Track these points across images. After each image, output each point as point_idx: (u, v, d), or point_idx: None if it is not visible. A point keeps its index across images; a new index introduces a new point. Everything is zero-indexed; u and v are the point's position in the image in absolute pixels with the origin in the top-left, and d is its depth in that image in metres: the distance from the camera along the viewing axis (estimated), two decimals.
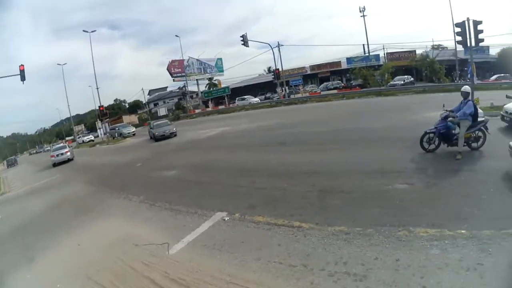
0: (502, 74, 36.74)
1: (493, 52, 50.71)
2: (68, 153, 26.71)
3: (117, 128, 42.99)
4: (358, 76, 47.10)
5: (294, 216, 6.38)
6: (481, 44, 16.91)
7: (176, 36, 53.71)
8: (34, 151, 69.62)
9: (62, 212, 10.63)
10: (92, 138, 51.28)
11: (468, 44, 15.80)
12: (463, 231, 4.83)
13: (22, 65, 22.72)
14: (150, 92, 76.30)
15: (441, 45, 53.04)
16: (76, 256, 6.99)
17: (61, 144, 37.63)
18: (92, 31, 41.98)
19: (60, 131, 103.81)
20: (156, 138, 25.39)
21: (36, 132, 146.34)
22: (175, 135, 25.27)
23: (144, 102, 77.45)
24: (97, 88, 43.71)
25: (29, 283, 6.48)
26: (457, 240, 4.65)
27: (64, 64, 54.18)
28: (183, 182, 10.78)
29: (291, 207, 6.85)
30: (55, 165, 25.84)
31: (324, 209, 6.46)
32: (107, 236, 7.62)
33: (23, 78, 22.73)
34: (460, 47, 22.40)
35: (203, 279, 4.94)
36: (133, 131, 39.11)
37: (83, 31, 41.72)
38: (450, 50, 44.51)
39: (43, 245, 8.13)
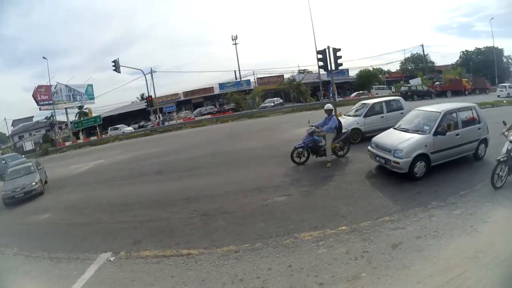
0: (361, 91, 44.54)
1: (353, 73, 61.20)
2: None
3: None
4: (230, 101, 49.40)
5: (181, 244, 6.51)
6: (340, 67, 19.49)
7: (44, 58, 48.43)
8: None
9: None
10: None
11: (329, 68, 18.02)
12: (344, 227, 5.68)
13: None
14: (14, 122, 67.07)
15: (306, 69, 59.83)
16: None
17: None
18: None
19: None
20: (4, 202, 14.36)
21: None
22: (41, 193, 14.46)
23: (7, 134, 67.59)
24: None
25: None
26: (339, 236, 5.45)
27: None
28: (59, 225, 9.82)
29: (177, 236, 6.96)
30: None
31: (210, 232, 6.74)
32: None
33: None
34: (322, 71, 25.22)
35: None
36: None
37: None
38: (315, 73, 50.25)
39: None
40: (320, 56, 18.06)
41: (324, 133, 10.11)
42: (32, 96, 50.35)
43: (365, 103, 14.14)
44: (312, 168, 9.97)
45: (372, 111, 13.33)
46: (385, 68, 67.98)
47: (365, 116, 13.10)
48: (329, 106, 10.51)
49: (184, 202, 8.99)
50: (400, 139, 8.37)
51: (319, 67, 19.85)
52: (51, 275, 6.79)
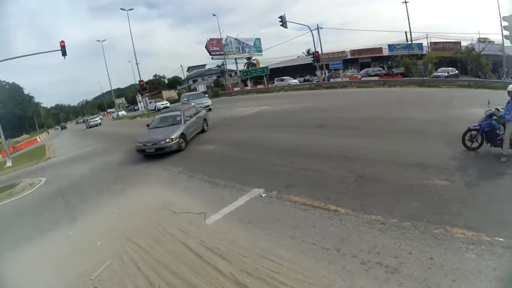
0: None
1: None
2: (98, 120, 45.26)
3: (152, 102, 46.17)
4: (400, 64, 45.26)
5: (331, 199, 6.36)
6: None
7: (214, 15, 53.56)
8: (81, 120, 73.80)
9: (104, 178, 11.22)
10: (124, 113, 55.70)
11: None
12: (501, 239, 4.53)
13: (63, 41, 23.57)
14: (189, 69, 77.17)
15: (487, 38, 49.68)
16: (116, 219, 7.45)
17: (96, 116, 56.81)
18: (129, 9, 44.56)
19: (101, 103, 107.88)
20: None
21: (78, 103, 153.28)
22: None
23: (183, 78, 78.63)
24: (137, 64, 45.42)
25: (71, 239, 6.94)
26: (494, 247, 4.38)
27: (103, 40, 57.46)
28: (222, 156, 10.99)
29: (328, 190, 6.83)
30: (89, 127, 41.44)
31: (361, 196, 6.38)
32: (147, 202, 8.01)
33: (64, 53, 23.62)
34: (508, 43, 20.91)
35: (237, 250, 5.11)
36: (167, 104, 41.17)
37: (121, 9, 44.48)
38: (497, 44, 41.72)
39: (85, 206, 8.69)
40: (505, 23, 14.97)
41: (503, 120, 8.28)
42: (205, 47, 55.93)
43: None
44: (483, 158, 8.20)
45: None
46: None
47: None
48: None
49: (341, 159, 8.73)
50: None
51: (504, 37, 16.41)
52: (207, 195, 7.68)
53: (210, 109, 24.37)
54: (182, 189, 8.46)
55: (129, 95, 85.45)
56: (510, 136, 8.01)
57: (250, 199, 6.95)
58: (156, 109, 39.55)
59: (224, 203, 6.92)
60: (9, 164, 22.54)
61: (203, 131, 15.67)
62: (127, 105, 75.02)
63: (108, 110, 76.85)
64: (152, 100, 47.50)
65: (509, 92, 8.21)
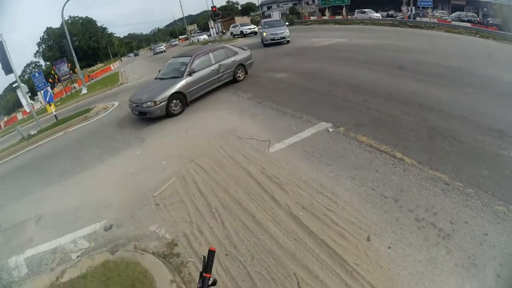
0: None
1: None
2: (163, 48, 49.09)
3: (237, 26, 42.65)
4: (497, 14, 39.90)
5: (398, 146, 6.17)
6: None
7: None
8: (154, 47, 76.88)
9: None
10: (206, 37, 55.35)
11: None
12: None
13: None
14: None
15: None
16: (182, 140, 7.84)
17: (160, 44, 60.01)
18: None
19: (173, 31, 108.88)
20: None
21: (150, 32, 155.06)
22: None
23: (257, 4, 76.14)
24: None
25: (138, 157, 7.55)
26: None
27: None
28: (292, 86, 10.80)
29: (397, 136, 6.59)
30: (155, 54, 44.03)
31: (431, 149, 6.08)
32: (214, 126, 8.29)
33: None
34: None
35: (296, 182, 5.22)
36: (255, 29, 38.46)
37: None
38: None
39: (154, 128, 9.24)
40: None
41: None
42: None
43: None
44: None
45: None
46: None
47: None
48: None
49: (417, 107, 8.25)
50: None
51: None
52: (273, 123, 7.75)
53: (288, 41, 22.45)
54: (250, 115, 8.58)
55: (202, 21, 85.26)
56: None
57: (316, 132, 6.93)
58: (242, 34, 38.31)
59: (289, 133, 6.99)
60: (84, 91, 24.65)
61: (234, 80, 12.48)
62: (199, 31, 75.14)
63: (180, 37, 77.99)
64: (237, 24, 45.28)
65: None
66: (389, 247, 3.93)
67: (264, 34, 22.78)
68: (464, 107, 8.36)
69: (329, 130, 6.96)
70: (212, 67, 11.36)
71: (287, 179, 5.35)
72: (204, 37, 56.46)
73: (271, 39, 22.21)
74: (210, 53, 11.64)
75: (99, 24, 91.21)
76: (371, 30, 29.02)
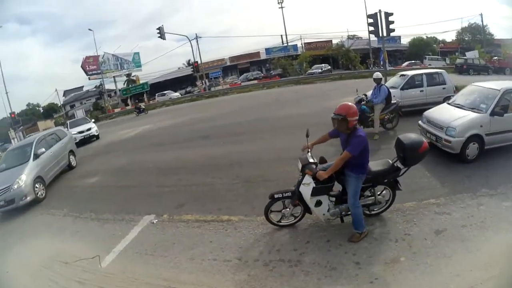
0: (413, 61, 41.58)
1: (405, 41, 57.20)
2: None
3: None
4: (277, 66, 48.78)
5: (223, 210, 6.59)
6: (392, 34, 18.55)
7: (90, 30, 49.56)
8: None
9: None
10: None
11: (380, 34, 17.21)
12: None
13: None
14: (65, 93, 70.44)
15: (356, 35, 56.87)
16: (6, 285, 6.51)
17: None
18: None
19: None
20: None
21: None
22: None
23: (59, 104, 71.46)
24: (6, 93, 39.82)
25: None
26: (382, 214, 5.36)
27: None
28: (107, 188, 10.33)
29: (218, 201, 7.04)
30: None
31: (251, 200, 6.73)
32: (36, 257, 7.03)
33: None
34: (373, 37, 24.10)
35: (140, 287, 4.96)
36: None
37: None
38: (365, 39, 48.13)
39: None
40: (370, 20, 17.28)
41: (371, 103, 9.79)
42: (81, 67, 51.86)
43: (404, 75, 12.75)
44: None
45: (411, 84, 12.12)
46: (440, 38, 61.84)
47: (402, 89, 11.95)
48: (378, 74, 10.01)
49: (228, 167, 9.04)
50: (454, 116, 7.69)
51: (369, 32, 18.90)
52: (97, 235, 7.14)
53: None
54: (71, 234, 7.68)
55: (1, 131, 74.48)
56: (379, 116, 9.60)
57: (142, 229, 6.75)
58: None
59: (116, 239, 6.57)
60: None
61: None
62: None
63: None
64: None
65: (374, 80, 9.87)
66: None
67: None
68: (268, 150, 9.66)
69: (153, 222, 6.88)
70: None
71: None
72: None
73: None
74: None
75: None
76: (173, 110, 30.94)
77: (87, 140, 20.65)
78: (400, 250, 4.45)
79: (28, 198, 9.46)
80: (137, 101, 45.75)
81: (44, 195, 10.17)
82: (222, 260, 4.96)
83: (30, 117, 73.64)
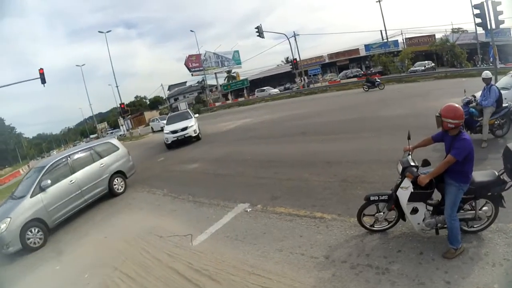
0: None
1: None
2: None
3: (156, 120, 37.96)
4: (377, 63, 46.27)
5: (316, 206, 6.35)
6: (502, 26, 16.30)
7: (191, 31, 53.25)
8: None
9: (88, 208, 10.66)
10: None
11: (488, 27, 15.34)
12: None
13: (42, 69, 23.52)
14: (170, 87, 77.09)
15: (461, 28, 50.56)
16: (103, 248, 7.20)
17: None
18: (107, 31, 44.06)
19: (84, 130, 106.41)
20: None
21: (61, 131, 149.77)
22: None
23: (164, 97, 78.20)
24: (117, 86, 45.32)
25: (59, 273, 6.68)
26: (483, 233, 4.47)
27: (82, 65, 56.61)
28: (205, 175, 10.86)
29: (313, 198, 6.81)
30: None
31: (347, 200, 6.37)
32: (133, 228, 7.76)
33: (43, 81, 23.56)
34: (480, 30, 21.57)
35: (226, 269, 5.01)
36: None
37: (99, 32, 43.86)
38: (471, 33, 42.85)
39: (71, 238, 8.37)
40: (477, 11, 15.40)
41: (480, 106, 8.50)
42: (184, 64, 55.60)
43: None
44: None
45: None
46: None
47: None
48: (488, 74, 8.57)
49: (325, 165, 8.76)
50: None
51: (476, 24, 16.94)
52: (192, 216, 7.53)
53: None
54: (168, 212, 8.28)
55: (112, 119, 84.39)
56: (488, 122, 8.22)
57: (235, 215, 6.87)
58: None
59: (210, 222, 6.81)
60: None
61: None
62: (110, 129, 74.03)
63: (91, 136, 75.46)
64: (157, 118, 40.28)
65: (484, 79, 8.49)
66: None
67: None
68: (368, 151, 9.09)
69: (247, 211, 6.95)
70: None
71: (216, 268, 5.11)
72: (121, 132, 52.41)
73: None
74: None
75: (6, 123, 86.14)
76: (272, 106, 31.30)
77: (183, 141, 17.43)
78: (495, 275, 3.74)
79: (11, 249, 7.55)
80: (369, 71, 43.18)
81: (41, 243, 8.10)
82: (309, 256, 4.81)
83: (138, 108, 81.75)
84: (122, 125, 48.52)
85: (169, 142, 17.31)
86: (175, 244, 6.32)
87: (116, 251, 6.76)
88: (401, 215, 4.75)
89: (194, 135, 17.50)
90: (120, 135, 41.44)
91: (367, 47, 52.59)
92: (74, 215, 9.48)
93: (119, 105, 44.11)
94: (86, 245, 7.66)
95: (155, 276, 5.41)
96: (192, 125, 17.51)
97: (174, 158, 13.93)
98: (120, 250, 6.77)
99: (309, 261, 4.68)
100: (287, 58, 66.35)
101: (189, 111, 18.90)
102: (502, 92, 8.98)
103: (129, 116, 52.69)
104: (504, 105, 8.49)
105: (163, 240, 6.64)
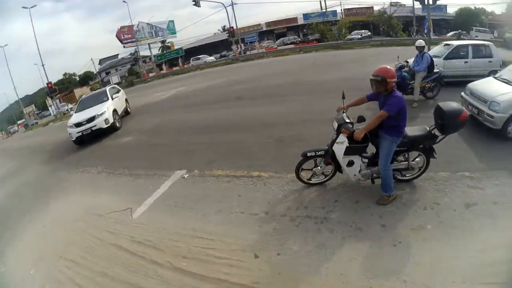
0: (458, 31, 38.42)
1: (451, 10, 52.50)
2: None
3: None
4: (315, 31, 47.19)
5: (253, 166, 6.54)
6: (438, 2, 17.36)
7: (124, 1, 49.54)
8: None
9: (22, 198, 9.67)
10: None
11: (426, 2, 16.27)
12: None
13: None
14: (101, 61, 71.95)
15: (399, 2, 53.37)
16: (43, 238, 6.73)
17: None
18: (32, 7, 39.84)
19: (10, 117, 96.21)
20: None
21: None
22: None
23: (95, 72, 73.10)
24: (43, 65, 40.78)
25: (5, 276, 6.26)
26: (414, 181, 5.10)
27: (5, 45, 49.66)
28: (140, 146, 10.52)
29: (250, 159, 7.01)
30: None
31: (283, 158, 6.60)
32: (70, 212, 7.32)
33: None
34: (418, 5, 22.80)
35: (168, 237, 5.05)
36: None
37: (22, 7, 40.01)
38: (408, 7, 45.24)
39: (10, 234, 7.81)
40: None
41: (413, 71, 9.35)
42: (116, 36, 52.09)
43: (448, 44, 11.93)
44: None
45: (455, 54, 11.24)
46: (489, 9, 54.63)
47: (446, 58, 11.14)
48: (421, 42, 9.35)
49: (261, 127, 8.96)
50: (499, 91, 7.00)
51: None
52: (130, 190, 7.32)
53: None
54: (104, 189, 7.96)
55: (39, 101, 76.95)
56: (419, 85, 9.16)
57: (173, 183, 6.86)
58: None
59: (148, 193, 6.73)
60: None
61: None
62: (38, 111, 67.82)
63: (18, 122, 68.42)
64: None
65: (417, 47, 9.34)
66: (278, 254, 4.05)
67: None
68: (302, 113, 9.41)
69: (184, 177, 6.97)
70: None
71: (158, 237, 5.12)
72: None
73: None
74: None
75: None
76: (208, 73, 30.74)
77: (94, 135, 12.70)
78: (427, 218, 4.23)
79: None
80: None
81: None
82: (249, 214, 4.99)
83: (67, 86, 75.92)
84: (50, 106, 44.74)
85: (73, 139, 12.63)
86: (115, 220, 6.17)
87: (57, 239, 6.36)
88: (338, 168, 5.03)
89: (106, 126, 12.64)
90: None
91: (306, 16, 53.09)
92: (11, 209, 8.89)
93: (45, 85, 40.61)
94: (27, 239, 7.13)
95: (100, 257, 5.27)
96: (103, 112, 12.73)
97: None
98: (61, 237, 6.39)
99: (249, 218, 4.86)
100: (224, 26, 64.52)
101: (108, 90, 14.52)
102: (434, 59, 9.89)
103: (58, 95, 48.56)
104: (435, 70, 9.45)
105: (103, 218, 6.43)
